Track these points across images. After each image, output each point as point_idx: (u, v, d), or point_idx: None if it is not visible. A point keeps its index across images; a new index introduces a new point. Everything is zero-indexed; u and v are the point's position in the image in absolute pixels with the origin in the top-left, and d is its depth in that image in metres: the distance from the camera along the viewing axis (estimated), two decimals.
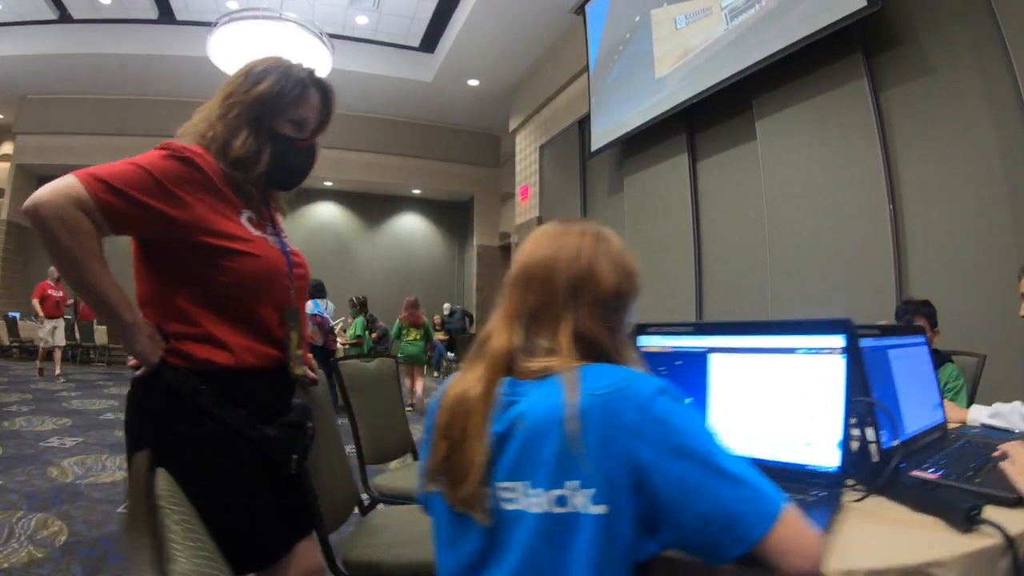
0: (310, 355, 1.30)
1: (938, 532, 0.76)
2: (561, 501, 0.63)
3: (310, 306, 5.29)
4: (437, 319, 10.97)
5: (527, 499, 0.65)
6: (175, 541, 0.88)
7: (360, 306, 7.18)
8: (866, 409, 0.94)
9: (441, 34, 8.91)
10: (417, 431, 2.29)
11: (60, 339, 7.59)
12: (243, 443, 1.02)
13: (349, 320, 7.42)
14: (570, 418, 0.63)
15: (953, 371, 2.20)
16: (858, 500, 0.87)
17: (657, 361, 1.04)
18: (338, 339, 6.47)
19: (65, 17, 8.71)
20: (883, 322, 1.91)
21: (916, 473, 0.93)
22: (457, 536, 0.72)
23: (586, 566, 0.61)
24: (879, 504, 0.87)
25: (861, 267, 3.67)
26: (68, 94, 10.43)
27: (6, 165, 10.94)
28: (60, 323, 7.63)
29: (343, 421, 1.83)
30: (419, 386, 6.57)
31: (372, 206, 12.93)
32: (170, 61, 9.14)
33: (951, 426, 1.39)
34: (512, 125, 9.84)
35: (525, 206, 9.24)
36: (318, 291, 5.78)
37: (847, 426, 0.85)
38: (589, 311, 0.72)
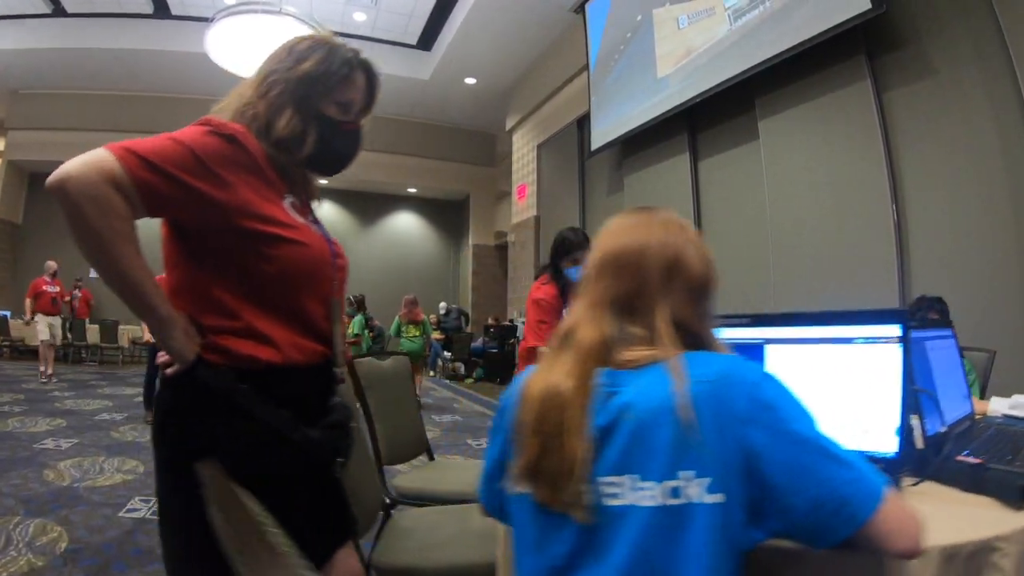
0: (349, 352, 1.28)
1: (994, 510, 0.83)
2: (675, 492, 0.62)
3: None
4: (433, 318, 10.94)
5: (636, 493, 0.63)
6: (288, 551, 0.90)
7: (358, 305, 7.16)
8: (913, 397, 0.97)
9: (439, 32, 8.90)
10: (427, 430, 2.26)
11: (55, 337, 7.29)
12: (284, 445, 0.94)
13: (347, 319, 7.40)
14: (683, 407, 0.62)
15: (966, 365, 2.25)
16: (914, 484, 0.91)
17: None
18: None
19: (59, 11, 8.59)
20: None
21: (960, 458, 0.97)
22: (546, 538, 0.69)
23: (701, 557, 0.60)
24: (933, 488, 0.91)
25: (864, 269, 3.70)
26: (60, 89, 10.27)
27: None
28: (57, 320, 7.34)
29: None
30: (419, 383, 6.57)
31: (367, 205, 12.86)
32: (165, 56, 9.03)
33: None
34: (509, 124, 9.86)
35: (522, 205, 9.26)
36: None
37: (905, 413, 0.87)
38: (683, 297, 0.71)
